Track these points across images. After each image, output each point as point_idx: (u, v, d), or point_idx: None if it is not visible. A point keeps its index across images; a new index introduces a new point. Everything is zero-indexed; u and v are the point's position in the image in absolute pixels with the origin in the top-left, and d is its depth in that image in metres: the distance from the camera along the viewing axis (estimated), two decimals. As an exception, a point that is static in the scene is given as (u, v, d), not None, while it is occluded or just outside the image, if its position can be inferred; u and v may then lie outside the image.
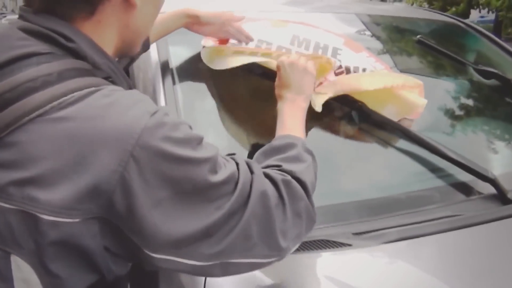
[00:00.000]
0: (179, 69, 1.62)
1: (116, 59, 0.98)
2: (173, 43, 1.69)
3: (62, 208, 0.72)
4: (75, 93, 0.77)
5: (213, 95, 1.59)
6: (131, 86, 0.95)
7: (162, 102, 1.44)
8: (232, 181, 0.85)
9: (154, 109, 0.80)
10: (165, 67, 1.59)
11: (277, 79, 1.33)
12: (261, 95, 1.58)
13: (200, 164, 0.81)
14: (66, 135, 0.74)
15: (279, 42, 1.70)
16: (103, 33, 0.88)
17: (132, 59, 1.50)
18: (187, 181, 0.79)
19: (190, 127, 0.86)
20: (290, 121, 1.20)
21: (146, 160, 0.75)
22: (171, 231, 0.78)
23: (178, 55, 1.68)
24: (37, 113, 0.74)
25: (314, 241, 1.20)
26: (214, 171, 0.83)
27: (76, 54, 0.83)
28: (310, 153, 1.10)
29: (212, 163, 0.83)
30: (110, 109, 0.77)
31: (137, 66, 1.62)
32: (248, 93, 1.69)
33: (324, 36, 1.81)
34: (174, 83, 1.54)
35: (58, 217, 0.72)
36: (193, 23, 1.58)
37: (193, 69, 1.65)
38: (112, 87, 0.82)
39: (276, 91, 1.31)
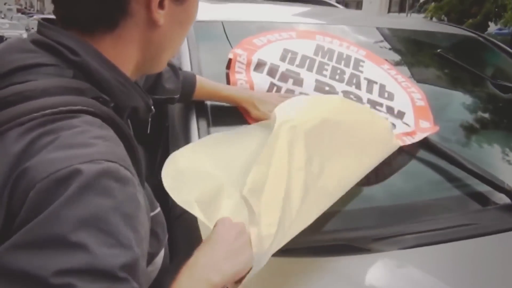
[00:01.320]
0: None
1: (138, 78, 0.96)
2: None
3: None
4: (40, 113, 0.73)
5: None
6: (148, 103, 0.93)
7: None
8: None
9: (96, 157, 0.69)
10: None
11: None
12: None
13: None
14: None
15: (304, 52, 1.76)
16: (123, 48, 0.86)
17: (171, 99, 1.48)
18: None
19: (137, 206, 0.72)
20: None
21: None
22: None
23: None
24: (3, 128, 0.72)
25: (334, 245, 1.24)
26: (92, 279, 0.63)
27: (80, 68, 0.81)
28: None
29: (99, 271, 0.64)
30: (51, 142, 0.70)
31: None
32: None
33: (347, 47, 1.88)
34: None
35: None
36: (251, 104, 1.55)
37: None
38: (80, 119, 0.75)
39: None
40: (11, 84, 0.77)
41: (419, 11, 16.30)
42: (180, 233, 1.25)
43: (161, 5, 0.86)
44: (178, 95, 1.48)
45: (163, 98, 1.45)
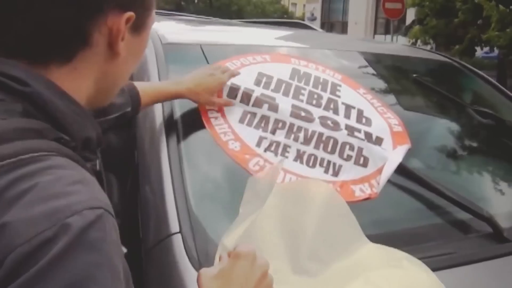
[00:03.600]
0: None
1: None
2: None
3: None
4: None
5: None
6: (99, 134, 0.86)
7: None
8: None
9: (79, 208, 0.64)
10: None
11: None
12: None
13: None
14: None
15: (279, 76, 1.74)
16: (79, 81, 0.80)
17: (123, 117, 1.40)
18: None
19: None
20: None
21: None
22: None
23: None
24: None
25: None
26: None
27: (30, 99, 0.73)
28: None
29: None
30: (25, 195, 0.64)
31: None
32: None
33: (323, 71, 1.86)
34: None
35: None
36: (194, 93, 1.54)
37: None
38: (50, 162, 0.69)
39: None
40: None
41: (405, 34, 16.47)
42: (152, 266, 1.21)
43: (122, 37, 0.82)
44: (129, 108, 1.40)
45: (117, 115, 1.36)
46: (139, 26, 0.86)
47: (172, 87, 1.53)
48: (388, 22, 18.00)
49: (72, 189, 0.66)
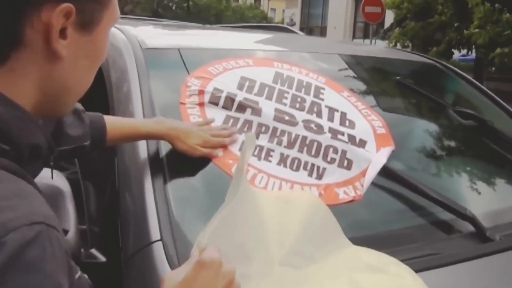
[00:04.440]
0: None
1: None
2: None
3: None
4: None
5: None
6: (50, 140, 0.81)
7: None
8: None
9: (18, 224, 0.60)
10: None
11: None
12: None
13: None
14: None
15: (262, 80, 1.73)
16: (17, 84, 0.73)
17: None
18: None
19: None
20: None
21: None
22: None
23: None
24: None
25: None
26: None
27: None
28: None
29: None
30: None
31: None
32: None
33: (306, 74, 1.85)
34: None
35: None
36: (175, 137, 1.40)
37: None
38: None
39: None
40: None
41: (383, 38, 16.59)
42: (132, 275, 1.19)
43: (63, 34, 0.73)
44: (88, 142, 1.27)
45: (70, 148, 1.22)
46: (88, 23, 0.77)
47: (150, 125, 1.39)
48: (366, 26, 18.16)
49: (7, 204, 0.62)
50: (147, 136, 1.40)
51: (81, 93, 0.85)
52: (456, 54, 16.13)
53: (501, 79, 14.68)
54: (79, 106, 1.28)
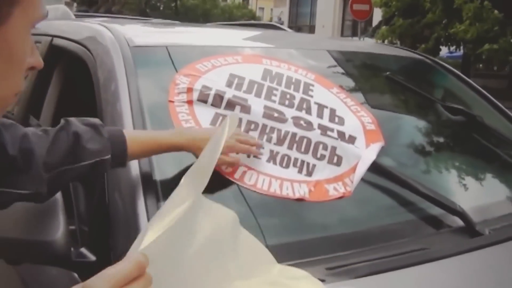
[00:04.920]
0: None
1: None
2: None
3: None
4: None
5: None
6: None
7: None
8: None
9: None
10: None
11: None
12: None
13: None
14: None
15: (251, 77, 1.73)
16: None
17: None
18: None
19: None
20: None
21: None
22: None
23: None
24: None
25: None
26: None
27: None
28: None
29: None
30: None
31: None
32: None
33: (295, 71, 1.85)
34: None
35: None
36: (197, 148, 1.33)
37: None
38: None
39: None
40: None
41: (371, 35, 16.65)
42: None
43: None
44: (109, 156, 1.22)
45: (90, 163, 1.19)
46: None
47: (170, 137, 1.35)
48: (355, 24, 18.18)
49: None
50: (169, 149, 1.35)
51: (6, 101, 0.77)
52: (444, 51, 16.22)
53: (488, 76, 14.80)
54: (97, 120, 1.27)
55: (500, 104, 2.22)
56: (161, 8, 33.49)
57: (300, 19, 30.06)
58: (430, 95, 2.11)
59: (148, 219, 1.20)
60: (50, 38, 2.18)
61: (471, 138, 2.05)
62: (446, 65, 2.48)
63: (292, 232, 1.39)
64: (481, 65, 14.30)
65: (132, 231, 1.20)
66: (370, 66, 2.38)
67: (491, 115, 2.14)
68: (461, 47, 14.34)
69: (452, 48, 15.51)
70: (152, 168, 1.37)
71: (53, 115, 2.10)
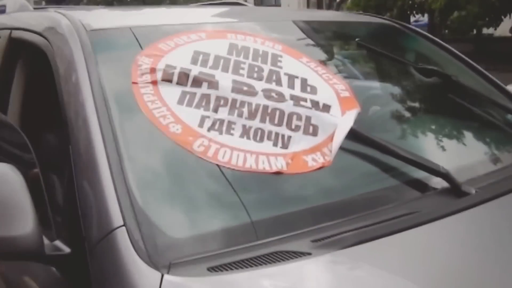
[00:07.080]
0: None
1: None
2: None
3: None
4: None
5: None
6: None
7: None
8: None
9: None
10: None
11: None
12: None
13: None
14: None
15: (216, 52, 1.66)
16: None
17: None
18: None
19: None
20: None
21: None
22: None
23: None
24: None
25: (270, 253, 1.14)
26: None
27: None
28: None
29: None
30: None
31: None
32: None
33: (262, 43, 1.79)
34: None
35: None
36: None
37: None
38: None
39: None
40: None
41: (337, 10, 16.69)
42: (98, 264, 1.13)
43: None
44: None
45: None
46: None
47: None
48: (320, 1, 18.16)
49: None
50: None
51: None
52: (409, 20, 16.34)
53: (454, 40, 14.93)
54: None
55: (473, 62, 2.18)
56: (128, 0, 33.06)
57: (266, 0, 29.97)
58: (403, 59, 2.08)
59: (120, 205, 1.16)
60: (8, 31, 2.08)
61: (448, 98, 2.02)
62: (415, 28, 2.45)
63: (275, 207, 1.35)
64: (447, 31, 14.38)
65: (104, 220, 1.15)
66: (339, 34, 2.33)
67: (465, 73, 2.11)
68: (425, 15, 14.43)
69: (417, 17, 15.61)
70: (120, 151, 1.30)
71: (20, 109, 2.01)
